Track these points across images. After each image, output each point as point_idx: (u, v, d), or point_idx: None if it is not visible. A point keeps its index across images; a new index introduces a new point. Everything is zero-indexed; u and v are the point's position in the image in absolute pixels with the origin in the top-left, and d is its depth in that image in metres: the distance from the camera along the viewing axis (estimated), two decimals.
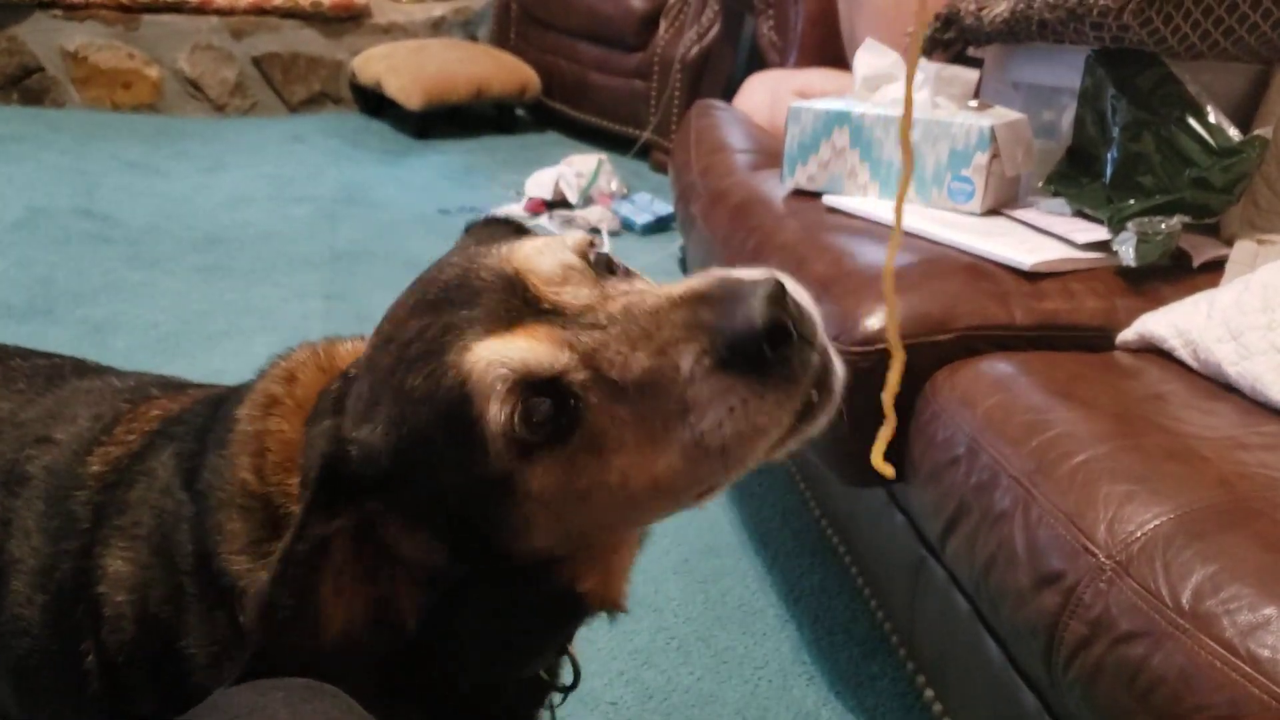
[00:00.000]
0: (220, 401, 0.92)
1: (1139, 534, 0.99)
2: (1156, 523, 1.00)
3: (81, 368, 1.19)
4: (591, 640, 1.75)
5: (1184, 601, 0.92)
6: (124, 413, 1.02)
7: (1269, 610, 0.88)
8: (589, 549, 0.81)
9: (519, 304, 0.73)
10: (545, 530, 0.76)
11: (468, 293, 0.75)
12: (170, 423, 0.97)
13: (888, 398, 0.99)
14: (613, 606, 0.87)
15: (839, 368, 0.74)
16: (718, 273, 0.73)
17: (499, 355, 0.71)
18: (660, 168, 4.26)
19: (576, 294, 0.75)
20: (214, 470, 0.85)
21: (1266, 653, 0.85)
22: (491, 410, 0.70)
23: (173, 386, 1.09)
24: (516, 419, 0.70)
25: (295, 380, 0.87)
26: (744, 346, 0.68)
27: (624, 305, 0.73)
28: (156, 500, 0.89)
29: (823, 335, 0.74)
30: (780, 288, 0.69)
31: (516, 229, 0.92)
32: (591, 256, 0.79)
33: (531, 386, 0.70)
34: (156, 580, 0.87)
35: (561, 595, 0.82)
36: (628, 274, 0.80)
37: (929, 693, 1.49)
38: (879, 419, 1.38)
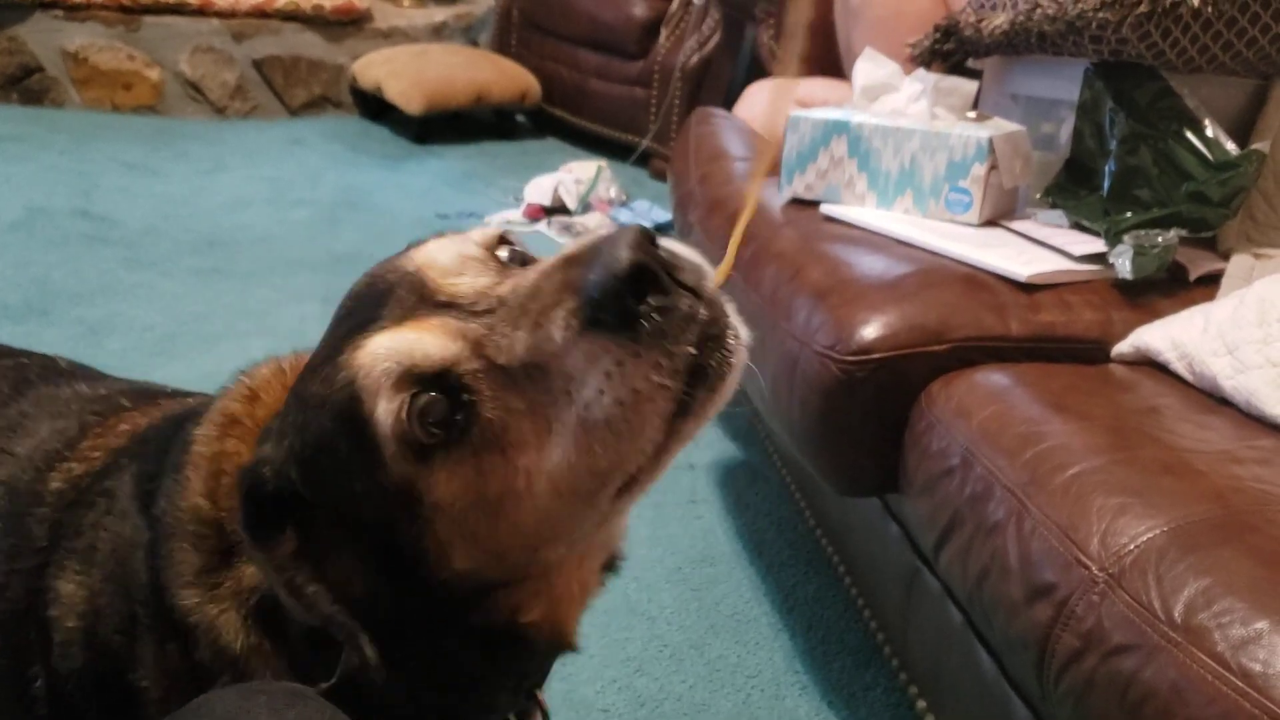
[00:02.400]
0: (184, 419, 0.88)
1: (1132, 547, 0.99)
2: (1149, 536, 0.99)
3: (48, 370, 1.13)
4: (584, 647, 1.74)
5: (1176, 615, 0.92)
6: (91, 426, 0.97)
7: (1261, 624, 0.87)
8: (525, 573, 0.75)
9: (415, 299, 0.71)
10: (463, 549, 0.71)
11: (373, 296, 0.73)
12: (135, 440, 0.93)
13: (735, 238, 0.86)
14: (561, 642, 0.81)
15: (733, 320, 0.67)
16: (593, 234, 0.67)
17: (384, 348, 0.68)
18: (659, 175, 4.27)
19: (473, 284, 0.71)
20: (168, 494, 0.81)
21: (1258, 667, 0.85)
22: (380, 407, 0.67)
23: (144, 397, 1.04)
24: (405, 416, 0.66)
25: (257, 399, 0.84)
26: (608, 298, 0.61)
27: (511, 286, 0.69)
28: (113, 524, 0.86)
29: (711, 285, 0.66)
30: (644, 233, 0.63)
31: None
32: (505, 252, 0.76)
33: (420, 380, 0.67)
34: (109, 608, 0.84)
35: (503, 629, 0.77)
36: None
37: (921, 703, 1.49)
38: (876, 428, 1.39)
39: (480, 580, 0.73)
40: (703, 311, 0.64)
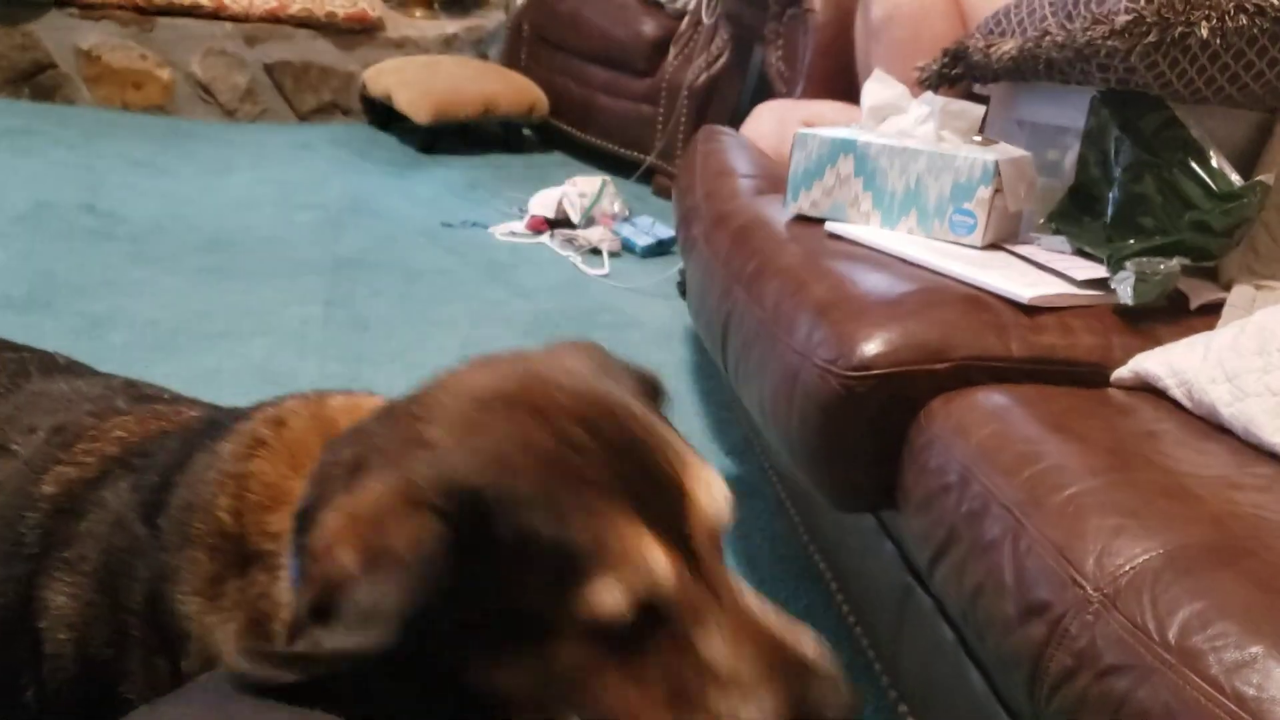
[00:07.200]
0: (192, 437, 0.89)
1: (1127, 568, 0.99)
2: (1145, 557, 0.99)
3: (47, 364, 1.13)
4: None
5: (1170, 637, 0.92)
6: (87, 429, 0.97)
7: (1256, 648, 0.87)
8: None
9: (679, 525, 0.71)
10: (532, 692, 0.71)
11: (640, 464, 0.71)
12: (131, 452, 0.93)
13: None
14: None
15: None
16: (807, 636, 0.71)
17: (655, 568, 0.68)
18: (663, 192, 4.28)
19: (711, 553, 0.73)
20: (185, 507, 0.82)
21: (1252, 691, 0.85)
22: (599, 597, 0.67)
23: (141, 399, 1.03)
24: (627, 611, 0.67)
25: (284, 425, 0.85)
26: None
27: (735, 597, 0.72)
28: (107, 534, 0.86)
29: None
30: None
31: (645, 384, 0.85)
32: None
33: (641, 606, 0.68)
34: (100, 619, 0.83)
35: None
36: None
37: None
38: (875, 443, 1.39)
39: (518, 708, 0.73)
40: None
